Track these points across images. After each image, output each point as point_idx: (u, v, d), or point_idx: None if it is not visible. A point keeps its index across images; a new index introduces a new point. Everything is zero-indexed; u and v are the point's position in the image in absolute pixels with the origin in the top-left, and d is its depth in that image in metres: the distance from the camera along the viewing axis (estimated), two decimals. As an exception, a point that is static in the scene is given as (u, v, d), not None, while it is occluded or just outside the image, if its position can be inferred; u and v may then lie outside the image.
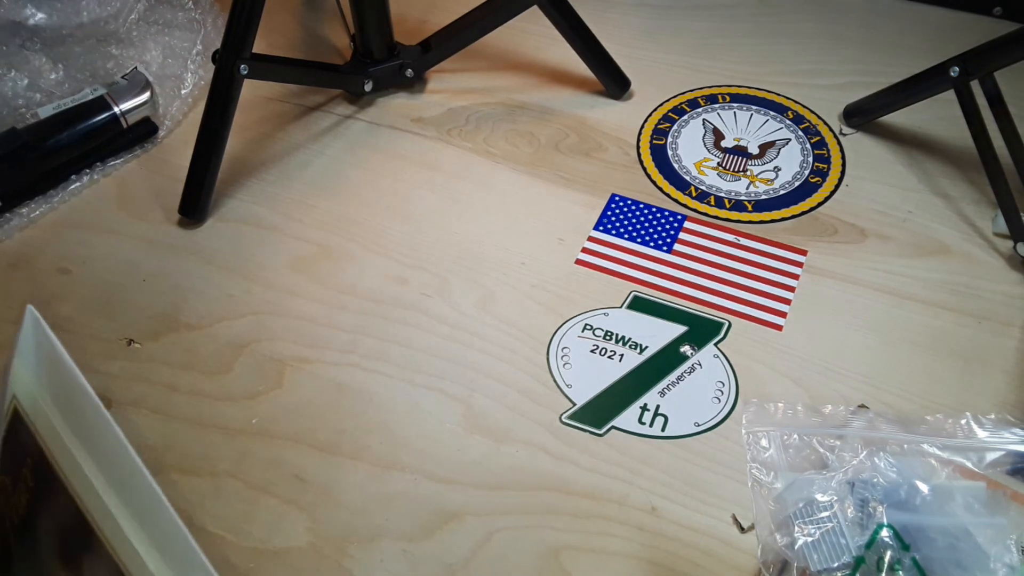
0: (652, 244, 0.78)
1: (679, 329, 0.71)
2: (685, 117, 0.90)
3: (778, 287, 0.74)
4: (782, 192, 0.82)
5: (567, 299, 0.73)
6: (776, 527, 0.46)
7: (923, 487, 0.46)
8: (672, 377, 0.68)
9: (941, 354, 0.69)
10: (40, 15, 0.89)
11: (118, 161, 0.86)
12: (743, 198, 0.81)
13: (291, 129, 0.90)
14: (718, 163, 0.85)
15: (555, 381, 0.68)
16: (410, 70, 0.91)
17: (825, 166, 0.84)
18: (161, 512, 0.33)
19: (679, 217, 0.80)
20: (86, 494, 0.35)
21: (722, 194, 0.82)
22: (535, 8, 0.85)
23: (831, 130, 0.88)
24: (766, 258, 0.76)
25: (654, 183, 0.83)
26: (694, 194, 0.82)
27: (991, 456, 0.48)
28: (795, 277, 0.75)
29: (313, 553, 0.59)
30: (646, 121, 0.90)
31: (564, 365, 0.69)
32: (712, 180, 0.83)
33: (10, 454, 0.37)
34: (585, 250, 0.77)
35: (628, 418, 0.65)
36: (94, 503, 0.34)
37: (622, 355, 0.69)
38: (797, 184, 0.83)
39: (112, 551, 0.33)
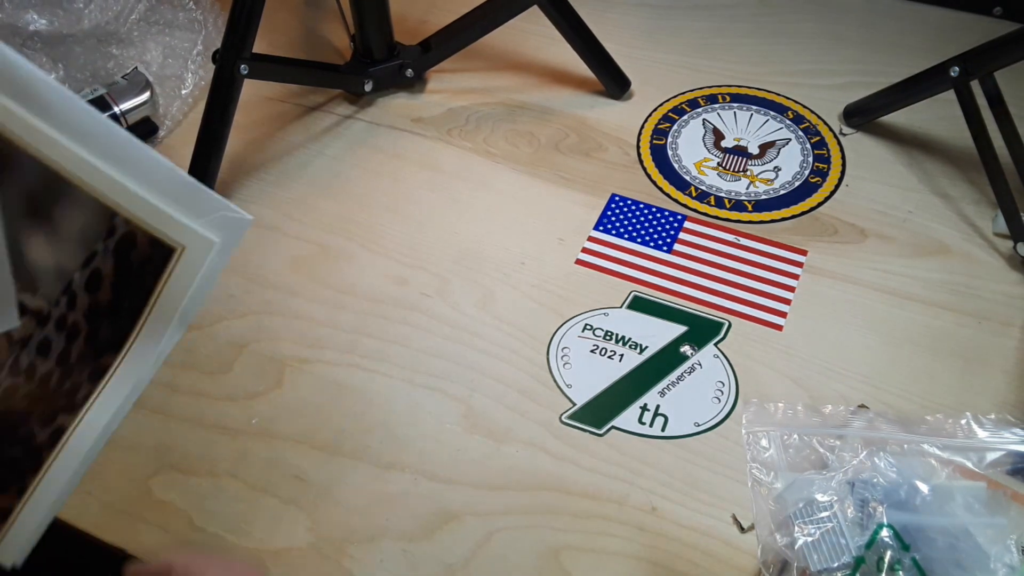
0: (652, 244, 0.78)
1: (679, 329, 0.71)
2: (685, 117, 0.90)
3: (778, 287, 0.74)
4: (782, 192, 0.82)
5: (567, 299, 0.73)
6: (776, 527, 0.46)
7: (923, 487, 0.46)
8: (672, 377, 0.68)
9: (941, 354, 0.69)
10: (41, 21, 0.89)
11: (118, 161, 0.86)
12: (743, 198, 0.81)
13: (291, 129, 0.90)
14: (718, 163, 0.85)
15: (555, 381, 0.68)
16: (410, 70, 0.91)
17: (825, 166, 0.84)
18: (120, 140, 0.36)
19: (679, 217, 0.80)
20: (51, 151, 0.37)
21: (722, 194, 0.82)
22: (535, 8, 0.85)
23: (831, 130, 0.88)
24: (766, 258, 0.76)
25: (654, 183, 0.83)
26: (694, 194, 0.82)
27: (991, 456, 0.48)
28: (795, 277, 0.75)
29: (313, 553, 0.59)
30: (646, 121, 0.90)
31: (564, 365, 0.69)
32: (712, 180, 0.83)
33: None
34: (585, 250, 0.77)
35: (628, 418, 0.65)
36: (62, 154, 0.37)
37: (622, 355, 0.69)
38: (797, 184, 0.83)
39: (89, 189, 0.36)
